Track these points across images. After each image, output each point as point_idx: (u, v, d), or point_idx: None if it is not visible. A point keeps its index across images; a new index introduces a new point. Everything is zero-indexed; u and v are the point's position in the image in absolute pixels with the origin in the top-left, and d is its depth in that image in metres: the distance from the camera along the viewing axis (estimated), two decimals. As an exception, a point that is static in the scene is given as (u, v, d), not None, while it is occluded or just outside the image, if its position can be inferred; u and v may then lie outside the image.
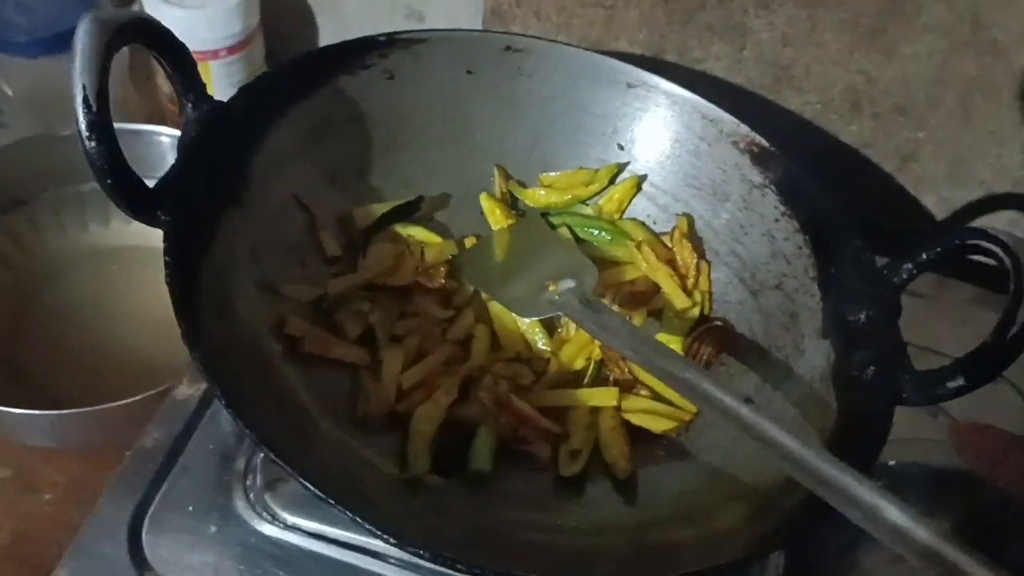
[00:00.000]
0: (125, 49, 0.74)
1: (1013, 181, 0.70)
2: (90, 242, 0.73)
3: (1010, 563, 0.46)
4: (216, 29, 0.71)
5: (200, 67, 0.70)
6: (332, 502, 0.36)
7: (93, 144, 0.38)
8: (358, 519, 0.36)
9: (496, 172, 0.59)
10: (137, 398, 0.56)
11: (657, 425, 0.50)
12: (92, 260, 0.72)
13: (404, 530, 0.36)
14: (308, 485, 0.36)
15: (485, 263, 0.56)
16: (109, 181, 0.39)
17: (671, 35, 0.69)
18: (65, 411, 0.56)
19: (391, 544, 0.36)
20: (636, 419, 0.51)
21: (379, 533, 0.36)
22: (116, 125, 0.65)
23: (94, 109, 0.37)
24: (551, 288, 0.50)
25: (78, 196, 0.72)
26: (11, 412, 0.56)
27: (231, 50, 0.72)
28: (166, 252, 0.40)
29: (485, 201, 0.58)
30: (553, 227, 0.59)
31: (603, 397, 0.51)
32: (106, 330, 0.67)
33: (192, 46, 0.68)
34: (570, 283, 0.49)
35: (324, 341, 0.49)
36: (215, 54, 0.72)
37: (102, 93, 0.37)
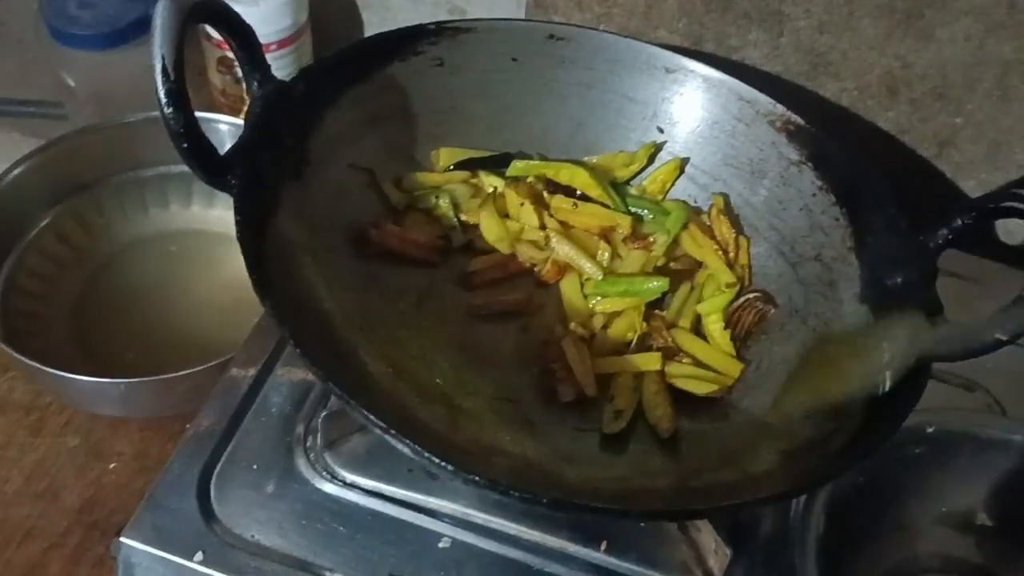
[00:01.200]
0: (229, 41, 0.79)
1: (1052, 164, 0.71)
2: (151, 225, 0.77)
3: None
4: (267, 24, 0.74)
5: (251, 62, 0.75)
6: (392, 431, 0.38)
7: (171, 111, 0.41)
8: (418, 447, 0.38)
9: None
10: (200, 368, 0.60)
11: (700, 388, 0.52)
12: (153, 242, 0.76)
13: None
14: (367, 414, 0.38)
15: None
16: (185, 145, 0.42)
17: (709, 24, 0.71)
18: (133, 379, 0.60)
19: (447, 471, 0.38)
20: (680, 383, 0.53)
21: (436, 461, 0.38)
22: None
23: (172, 78, 0.41)
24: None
25: (139, 182, 0.76)
26: (82, 380, 0.60)
27: (281, 44, 0.75)
28: (236, 212, 0.43)
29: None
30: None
31: (648, 362, 0.53)
32: (167, 308, 0.71)
33: (245, 40, 0.73)
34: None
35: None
36: (266, 48, 0.74)
37: (179, 65, 0.41)
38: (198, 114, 0.71)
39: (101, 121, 0.74)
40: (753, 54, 0.72)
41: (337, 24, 0.86)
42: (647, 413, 0.51)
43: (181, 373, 0.61)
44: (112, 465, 0.66)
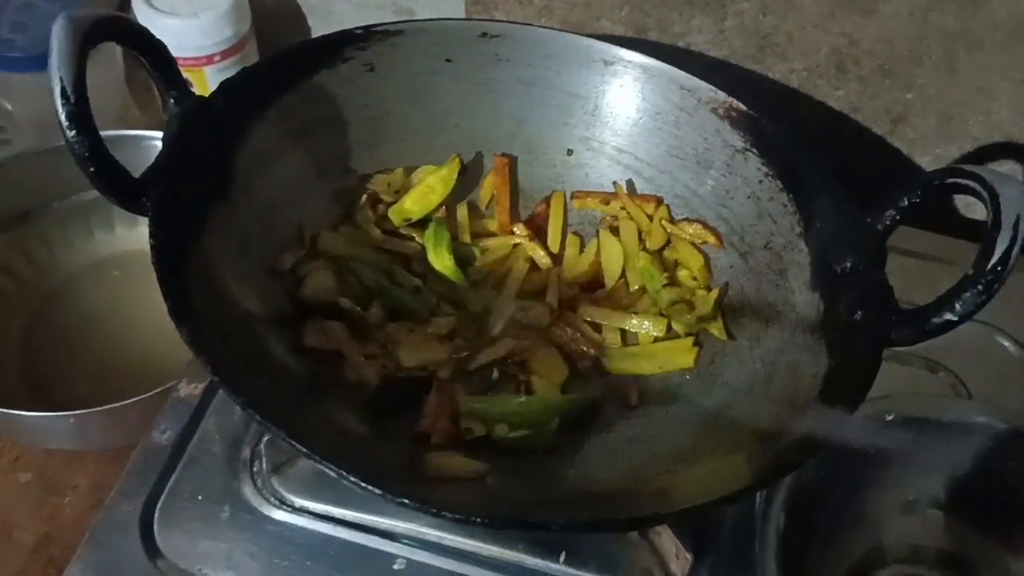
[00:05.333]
0: (122, 62, 0.78)
1: (1005, 136, 0.69)
2: (96, 250, 0.75)
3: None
4: (208, 36, 0.72)
5: (195, 73, 0.73)
6: (317, 458, 0.37)
7: (74, 133, 0.39)
8: (343, 472, 0.37)
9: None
10: (150, 394, 0.58)
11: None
12: (100, 267, 0.74)
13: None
14: (295, 443, 0.37)
15: None
16: (92, 169, 0.40)
17: (651, 11, 0.69)
18: (81, 411, 0.58)
19: (376, 495, 0.37)
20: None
21: (363, 486, 0.36)
22: (117, 132, 0.69)
23: (72, 101, 0.39)
24: None
25: (82, 206, 0.74)
26: (31, 416, 0.58)
27: (224, 55, 0.74)
28: (151, 236, 0.41)
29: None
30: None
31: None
32: (117, 335, 0.69)
33: (186, 53, 0.72)
34: None
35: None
36: (209, 60, 0.73)
37: (79, 86, 0.39)
38: (139, 132, 0.72)
39: (37, 146, 0.72)
40: (698, 39, 0.71)
41: (283, 32, 0.85)
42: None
43: (130, 401, 0.59)
44: (67, 499, 0.64)
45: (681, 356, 0.53)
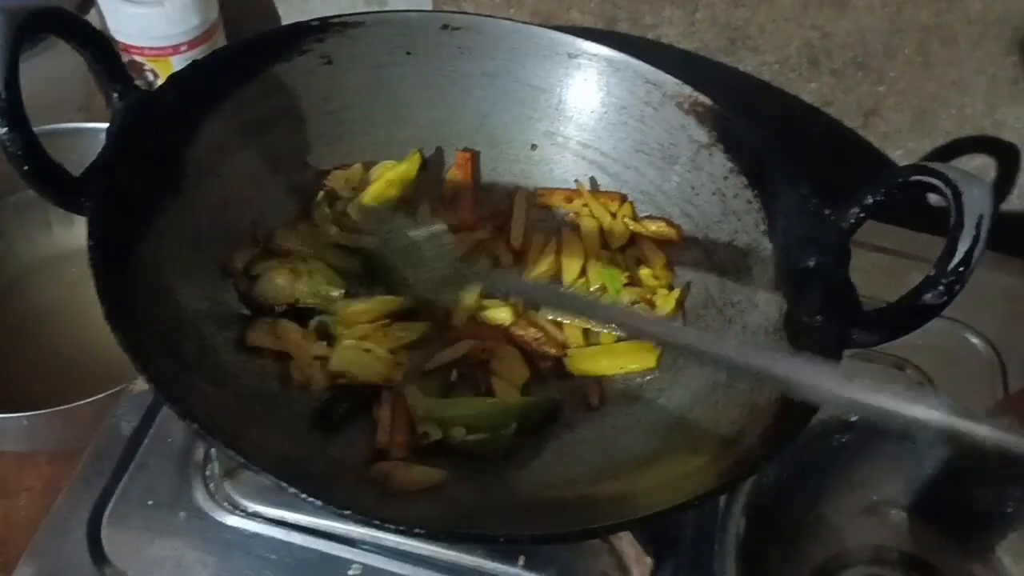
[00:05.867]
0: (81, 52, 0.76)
1: (978, 130, 0.69)
2: (55, 245, 0.73)
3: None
4: (175, 24, 0.70)
5: (161, 63, 0.72)
6: (256, 468, 0.36)
7: (5, 131, 0.38)
8: (285, 484, 0.35)
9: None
10: (103, 395, 0.56)
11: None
12: (57, 263, 0.72)
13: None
14: (233, 453, 0.36)
15: None
16: (26, 168, 0.39)
17: (622, 3, 0.68)
18: (34, 412, 0.56)
19: (315, 506, 0.36)
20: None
21: (304, 497, 0.35)
22: (75, 125, 0.67)
23: (4, 96, 0.37)
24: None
25: (41, 199, 0.70)
26: (-20, 416, 0.57)
27: (191, 44, 0.72)
28: (89, 236, 0.40)
29: None
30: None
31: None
32: (72, 332, 0.67)
33: (152, 42, 0.70)
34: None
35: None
36: (176, 49, 0.72)
37: (12, 80, 0.38)
38: (101, 124, 0.70)
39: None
40: (669, 31, 0.69)
41: (252, 20, 0.83)
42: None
43: (83, 402, 0.57)
44: (21, 502, 0.63)
45: (643, 356, 0.51)
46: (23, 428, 0.58)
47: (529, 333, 0.53)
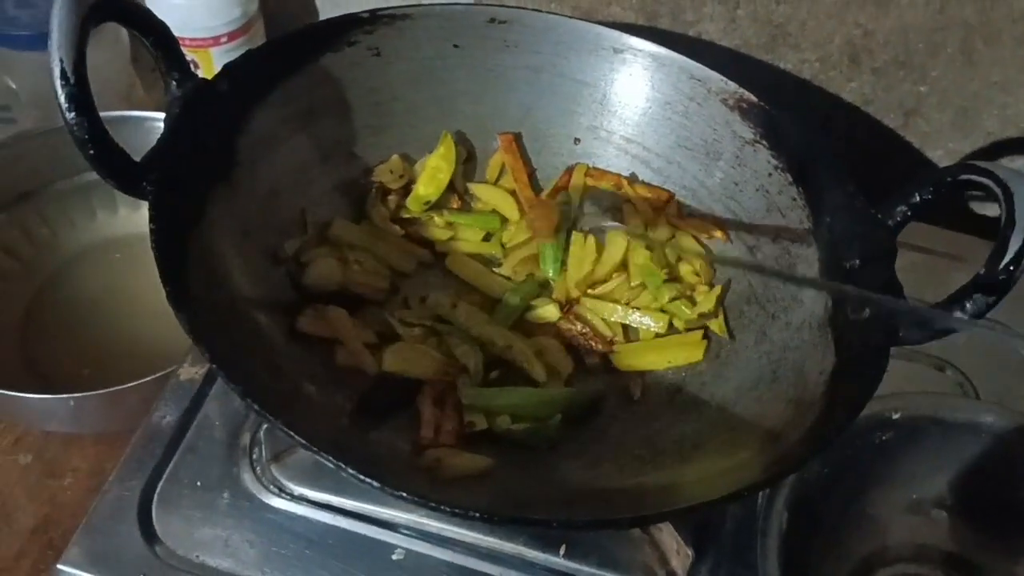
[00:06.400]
0: (128, 41, 0.77)
1: (1021, 130, 0.68)
2: (99, 231, 0.74)
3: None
4: (216, 16, 0.71)
5: (201, 54, 0.73)
6: (315, 449, 0.36)
7: (73, 115, 0.39)
8: (339, 463, 0.36)
9: None
10: (149, 379, 0.57)
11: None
12: (101, 249, 0.73)
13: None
14: (293, 434, 0.37)
15: None
16: (92, 152, 0.40)
17: None
18: (81, 394, 0.58)
19: (373, 488, 0.36)
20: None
21: (360, 478, 0.36)
22: (120, 113, 0.68)
23: (72, 82, 0.38)
24: None
25: (85, 186, 0.73)
26: (31, 398, 0.58)
27: (231, 36, 0.73)
28: (151, 220, 0.41)
29: None
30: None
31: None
32: (118, 317, 0.69)
33: (192, 33, 0.71)
34: None
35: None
36: (216, 41, 0.73)
37: (79, 67, 0.38)
38: (144, 113, 0.71)
39: (40, 125, 0.71)
40: (710, 28, 0.70)
41: (291, 13, 0.84)
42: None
43: (130, 385, 0.58)
44: (67, 482, 0.64)
45: (690, 350, 0.52)
46: (70, 410, 0.59)
47: (576, 328, 0.53)
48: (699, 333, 0.53)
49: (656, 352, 0.52)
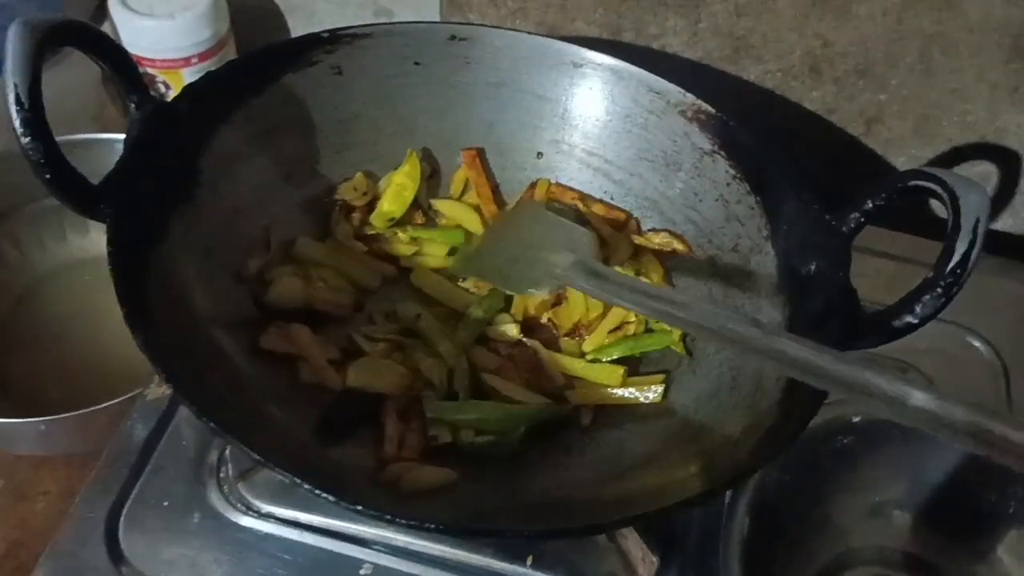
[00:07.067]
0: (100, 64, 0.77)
1: (980, 137, 0.69)
2: (69, 253, 0.74)
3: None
4: (186, 37, 0.72)
5: (172, 75, 0.73)
6: (271, 465, 0.37)
7: (28, 140, 0.39)
8: (299, 480, 0.36)
9: None
10: (119, 400, 0.57)
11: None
12: (72, 270, 0.74)
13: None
14: (249, 451, 0.37)
15: (480, 255, 0.56)
16: (48, 176, 0.40)
17: (626, 13, 0.69)
18: (51, 417, 0.57)
19: (340, 506, 0.37)
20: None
21: (324, 496, 0.36)
22: (90, 136, 0.68)
23: (27, 106, 0.39)
24: (551, 259, 0.50)
25: (55, 208, 0.71)
26: (1, 422, 0.58)
27: (202, 56, 0.73)
28: (108, 242, 0.41)
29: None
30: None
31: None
32: (87, 338, 0.69)
33: (164, 55, 0.71)
34: (570, 257, 0.49)
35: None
36: (187, 61, 0.73)
37: (34, 91, 0.39)
38: (115, 135, 0.72)
39: (9, 148, 0.71)
40: (673, 41, 0.70)
41: (262, 32, 0.84)
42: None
43: (100, 406, 0.58)
44: (38, 506, 0.64)
45: (648, 391, 0.52)
46: (40, 432, 0.59)
47: (531, 361, 0.53)
48: (660, 377, 0.52)
49: (613, 390, 0.52)
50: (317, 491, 0.36)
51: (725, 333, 0.41)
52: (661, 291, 0.48)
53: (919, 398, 0.34)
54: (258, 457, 0.37)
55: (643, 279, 0.55)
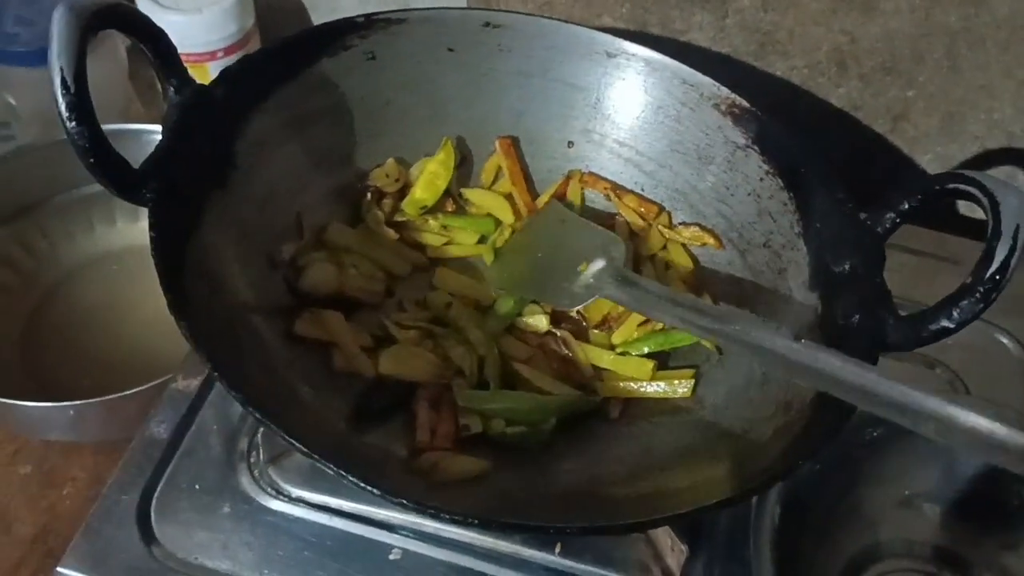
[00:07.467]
0: (125, 57, 0.77)
1: (1007, 135, 0.70)
2: (97, 243, 0.75)
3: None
4: (213, 31, 0.72)
5: (198, 69, 0.73)
6: (316, 458, 0.37)
7: (74, 124, 0.39)
8: (340, 471, 0.37)
9: None
10: (147, 386, 0.58)
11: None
12: (100, 261, 0.74)
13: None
14: (295, 442, 0.37)
15: (511, 266, 0.56)
16: (92, 160, 0.40)
17: (653, 8, 0.69)
18: (81, 402, 0.58)
19: (374, 495, 0.37)
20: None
21: (361, 486, 0.36)
22: (118, 126, 0.68)
23: (72, 91, 0.39)
24: (582, 271, 0.51)
25: (83, 200, 0.74)
26: (31, 406, 0.58)
27: (228, 51, 0.74)
28: (151, 228, 0.41)
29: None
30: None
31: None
32: (116, 327, 0.69)
33: (190, 48, 0.71)
34: (600, 263, 0.48)
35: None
36: (212, 55, 0.73)
37: (80, 76, 0.39)
38: (142, 125, 0.72)
39: (40, 140, 0.72)
40: (699, 37, 0.71)
41: (286, 26, 0.85)
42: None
43: (128, 392, 0.58)
44: (66, 491, 0.64)
45: (678, 386, 0.51)
46: (70, 418, 0.60)
47: (560, 349, 0.53)
48: (690, 372, 0.52)
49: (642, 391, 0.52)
50: (362, 484, 0.37)
51: (765, 347, 0.41)
52: (697, 302, 0.48)
53: (971, 420, 0.34)
54: (304, 449, 0.37)
55: (671, 271, 0.56)
